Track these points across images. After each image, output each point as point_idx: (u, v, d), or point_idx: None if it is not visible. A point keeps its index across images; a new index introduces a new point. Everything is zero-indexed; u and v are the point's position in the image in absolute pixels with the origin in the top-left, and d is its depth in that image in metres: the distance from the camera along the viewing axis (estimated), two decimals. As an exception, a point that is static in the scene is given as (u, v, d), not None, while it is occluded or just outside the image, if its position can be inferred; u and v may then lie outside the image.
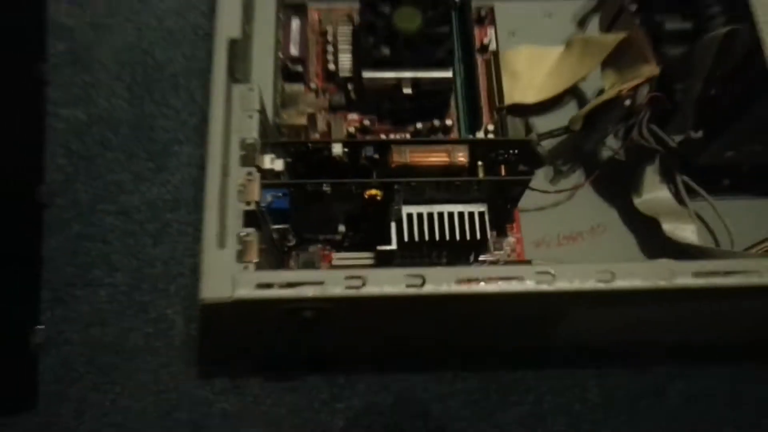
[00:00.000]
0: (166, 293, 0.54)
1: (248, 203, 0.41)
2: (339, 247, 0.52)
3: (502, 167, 0.47)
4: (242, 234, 0.40)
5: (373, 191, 0.44)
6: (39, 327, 0.52)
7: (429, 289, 0.34)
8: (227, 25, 0.43)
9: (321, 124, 0.57)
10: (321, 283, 0.35)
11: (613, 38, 0.52)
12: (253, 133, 0.43)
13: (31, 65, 0.60)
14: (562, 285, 0.36)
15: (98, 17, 0.64)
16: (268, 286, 0.35)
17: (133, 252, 0.55)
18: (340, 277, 0.35)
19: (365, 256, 0.51)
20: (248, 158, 0.42)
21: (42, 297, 0.54)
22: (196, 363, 0.52)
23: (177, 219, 0.57)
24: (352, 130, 0.56)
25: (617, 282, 0.36)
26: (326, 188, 0.43)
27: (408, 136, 0.57)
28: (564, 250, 0.55)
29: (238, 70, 0.45)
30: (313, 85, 0.58)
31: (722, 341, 0.51)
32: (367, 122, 0.56)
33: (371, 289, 0.34)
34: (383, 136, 0.56)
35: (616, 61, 0.53)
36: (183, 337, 0.53)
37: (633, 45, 0.51)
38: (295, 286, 0.35)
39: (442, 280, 0.35)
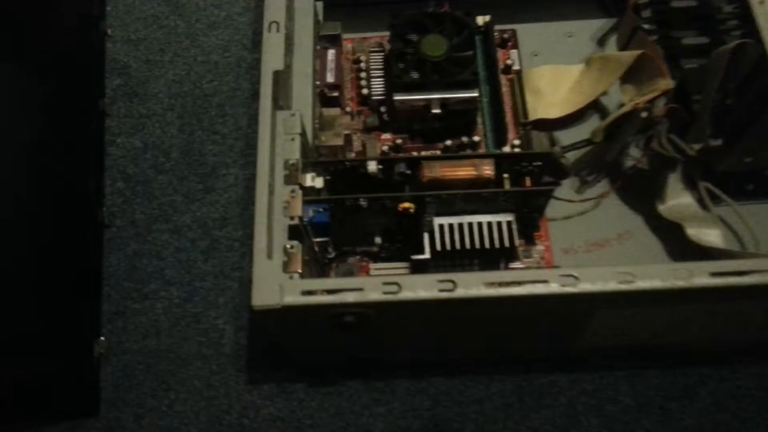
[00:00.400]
0: (216, 305, 0.58)
1: (292, 218, 0.45)
2: (376, 258, 0.55)
3: (527, 179, 0.50)
4: (287, 246, 0.43)
5: (406, 204, 0.47)
6: (101, 339, 0.57)
7: (460, 293, 0.37)
8: (272, 58, 0.47)
9: (356, 144, 0.61)
10: (360, 289, 0.38)
11: (630, 55, 0.55)
12: (295, 154, 0.47)
13: (94, 101, 0.66)
14: (585, 287, 0.39)
15: (152, 54, 0.70)
16: (313, 293, 0.38)
17: (185, 267, 0.60)
18: (377, 283, 0.38)
19: (401, 266, 0.54)
20: (291, 177, 0.46)
21: (103, 310, 0.58)
22: (244, 370, 0.56)
23: (225, 236, 0.61)
24: (385, 149, 0.60)
25: (637, 283, 0.39)
26: (363, 203, 0.47)
27: (438, 153, 0.60)
28: (592, 256, 0.57)
29: (281, 97, 0.49)
30: (348, 109, 0.62)
31: (749, 342, 0.53)
32: (399, 141, 0.60)
33: (407, 294, 0.38)
34: (415, 154, 0.60)
35: (633, 76, 0.56)
36: (232, 345, 0.57)
37: (649, 61, 0.54)
38: (337, 293, 0.38)
39: (471, 285, 0.38)
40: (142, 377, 0.56)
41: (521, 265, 0.54)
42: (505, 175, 0.49)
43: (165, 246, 0.61)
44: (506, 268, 0.53)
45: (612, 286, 0.38)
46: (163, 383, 0.56)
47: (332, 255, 0.54)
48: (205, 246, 0.61)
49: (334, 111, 0.60)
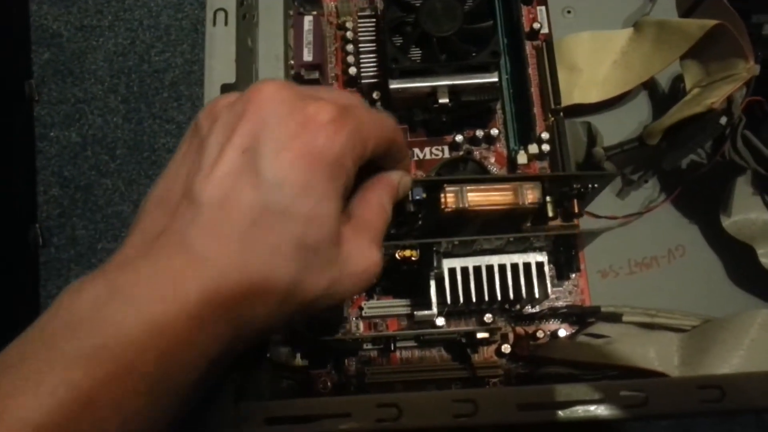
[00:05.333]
0: (179, 344, 0.48)
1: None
2: (369, 291, 0.45)
3: (575, 202, 0.38)
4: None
5: (407, 252, 0.36)
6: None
7: (483, 418, 0.27)
8: (218, 65, 0.34)
9: (344, 139, 0.49)
10: (347, 414, 0.28)
11: (699, 26, 0.42)
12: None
13: (18, 83, 0.53)
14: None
15: (87, 18, 0.56)
16: (280, 420, 0.28)
17: (140, 297, 0.49)
18: (370, 405, 0.28)
19: (399, 305, 0.44)
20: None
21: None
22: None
23: (187, 256, 0.50)
24: (379, 147, 0.48)
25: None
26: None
27: (446, 148, 0.48)
28: (636, 279, 0.47)
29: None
30: (332, 94, 0.49)
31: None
32: (397, 137, 0.48)
33: (410, 422, 0.27)
34: (418, 152, 0.48)
35: (701, 53, 0.43)
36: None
37: (725, 36, 0.41)
38: (314, 421, 0.28)
39: (498, 406, 0.27)
40: None
41: (549, 303, 0.43)
42: (548, 199, 0.37)
43: (114, 270, 0.50)
44: (532, 306, 0.43)
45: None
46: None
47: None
48: (162, 269, 0.50)
49: (314, 99, 0.48)
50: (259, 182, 0.22)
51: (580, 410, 0.27)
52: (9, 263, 0.50)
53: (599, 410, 0.27)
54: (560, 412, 0.27)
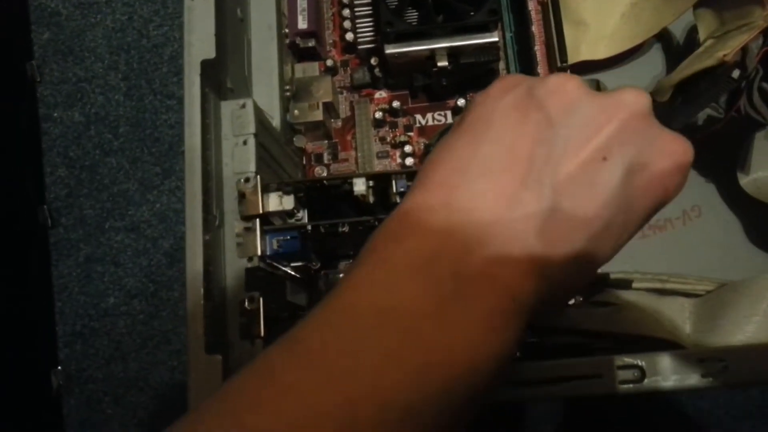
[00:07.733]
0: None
1: (250, 259, 0.33)
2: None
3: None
4: (246, 303, 0.32)
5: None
6: (58, 368, 0.48)
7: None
8: (197, 40, 0.33)
9: (344, 108, 0.48)
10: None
11: (713, -28, 0.39)
12: (249, 166, 0.34)
13: (20, 64, 0.53)
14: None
15: (82, -6, 0.55)
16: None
17: (147, 274, 0.50)
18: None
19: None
20: (246, 200, 0.34)
21: (58, 332, 0.49)
22: (228, 396, 0.47)
23: (192, 232, 0.50)
24: (379, 115, 0.46)
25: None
26: (343, 228, 0.35)
27: (449, 113, 0.47)
28: (649, 243, 0.45)
29: (228, 81, 0.36)
30: (329, 62, 0.48)
31: None
32: (396, 104, 0.46)
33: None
34: (420, 118, 0.47)
35: (715, 1, 0.40)
36: (211, 368, 0.48)
37: (741, -19, 0.38)
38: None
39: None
40: (110, 411, 0.48)
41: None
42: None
43: (122, 248, 0.50)
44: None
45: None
46: (133, 417, 0.47)
47: (317, 266, 0.43)
48: (168, 246, 0.50)
49: (311, 68, 0.47)
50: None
51: (573, 386, 0.26)
52: (21, 245, 0.50)
53: (593, 386, 0.26)
54: (552, 388, 0.26)
